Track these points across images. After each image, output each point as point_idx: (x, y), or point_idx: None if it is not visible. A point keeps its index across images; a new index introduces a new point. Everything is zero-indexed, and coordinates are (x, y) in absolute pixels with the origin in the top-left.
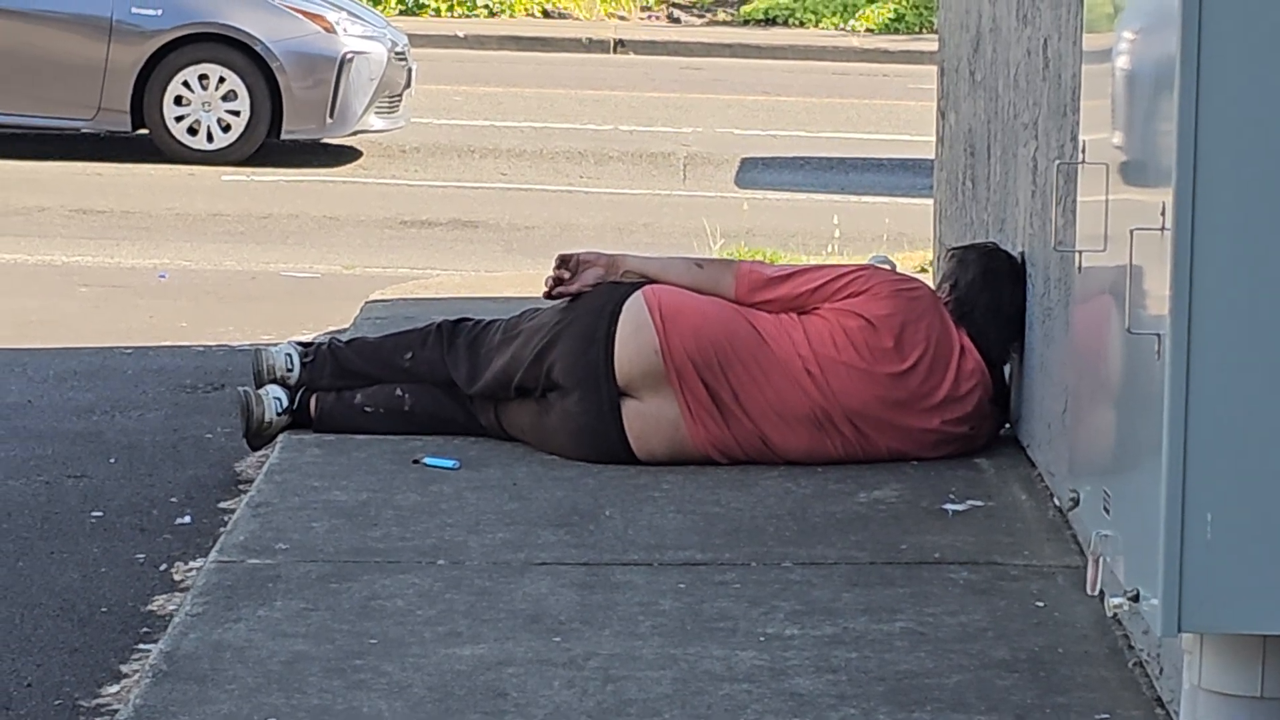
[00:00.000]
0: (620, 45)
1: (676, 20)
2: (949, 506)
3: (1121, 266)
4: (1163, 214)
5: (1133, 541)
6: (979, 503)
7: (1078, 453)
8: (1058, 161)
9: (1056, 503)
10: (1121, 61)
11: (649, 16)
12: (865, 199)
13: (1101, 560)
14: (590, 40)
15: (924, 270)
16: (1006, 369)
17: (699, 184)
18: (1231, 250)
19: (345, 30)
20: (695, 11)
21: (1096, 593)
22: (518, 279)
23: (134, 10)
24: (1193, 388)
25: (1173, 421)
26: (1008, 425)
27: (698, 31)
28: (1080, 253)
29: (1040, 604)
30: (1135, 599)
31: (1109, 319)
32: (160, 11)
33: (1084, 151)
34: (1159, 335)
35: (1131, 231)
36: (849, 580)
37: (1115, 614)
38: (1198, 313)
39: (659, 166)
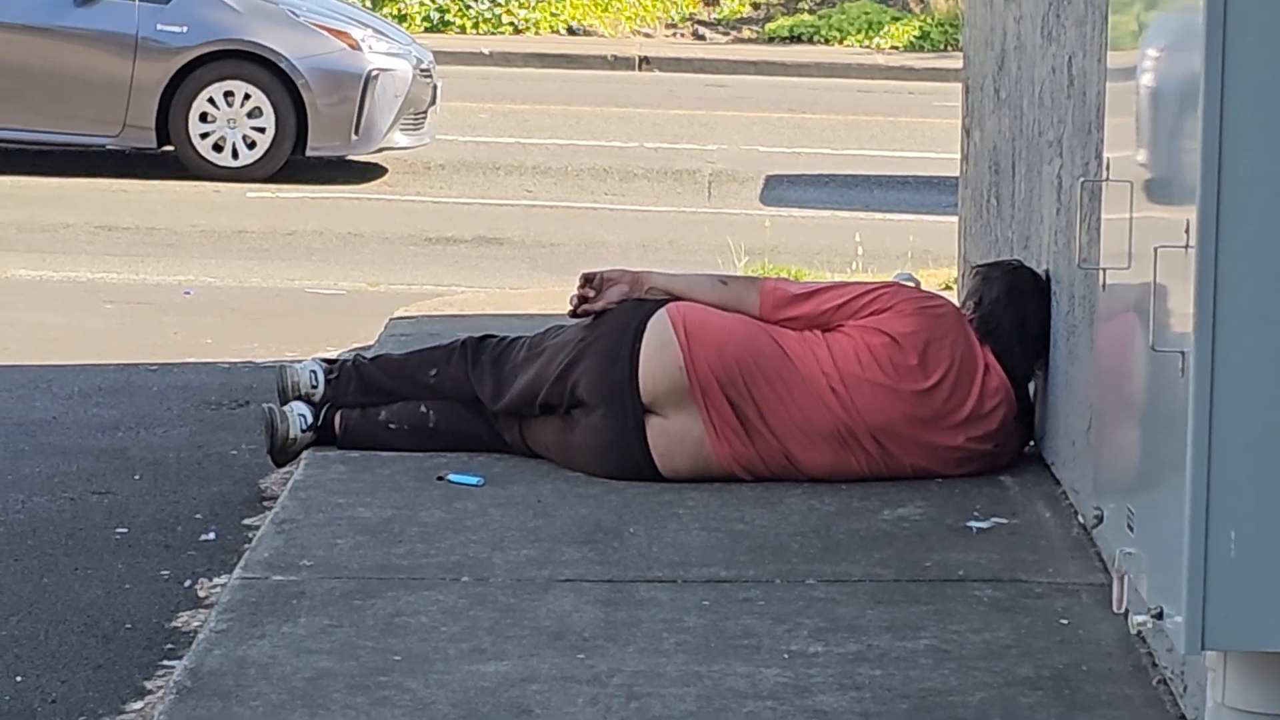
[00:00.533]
0: (645, 62)
1: (701, 37)
2: (973, 524)
3: (1145, 284)
4: (1187, 231)
5: (1156, 559)
6: (1003, 520)
7: (1102, 470)
8: (1081, 179)
9: (1081, 520)
10: (1146, 79)
11: (674, 34)
12: (890, 216)
13: (1126, 578)
14: (615, 57)
15: (949, 287)
16: (1031, 386)
17: (724, 201)
18: (1255, 267)
19: (370, 47)
20: (720, 29)
21: (1122, 610)
22: (542, 296)
23: (160, 27)
24: (1216, 405)
25: (1196, 439)
26: (1032, 443)
27: (723, 49)
28: (1104, 270)
29: (1064, 621)
30: (1159, 616)
31: (1133, 336)
32: (186, 28)
33: (1108, 169)
34: (1183, 353)
35: (1155, 249)
36: (873, 598)
37: (1139, 631)
38: (1221, 330)
39: (684, 184)
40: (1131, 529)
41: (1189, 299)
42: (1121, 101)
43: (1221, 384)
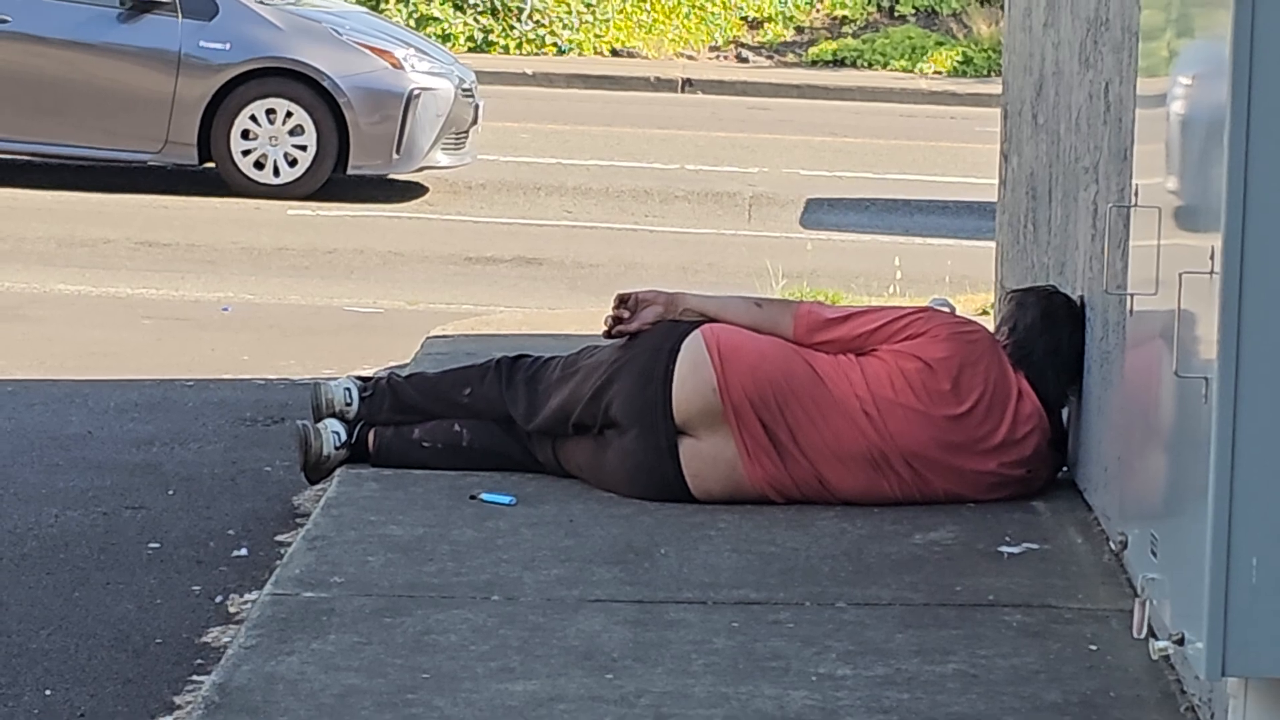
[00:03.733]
0: (688, 85)
1: (745, 60)
2: (1004, 549)
3: (1171, 310)
4: (1211, 258)
5: (1179, 585)
6: (1034, 545)
7: (1127, 495)
8: (1111, 205)
9: (1112, 546)
10: (1176, 107)
11: (717, 56)
12: (929, 241)
13: (1148, 603)
14: (658, 79)
15: (985, 313)
16: (1065, 412)
17: (764, 224)
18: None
19: (413, 66)
20: (764, 52)
21: (1143, 635)
22: (579, 316)
23: (202, 44)
24: (1240, 432)
25: (1219, 465)
26: (1065, 468)
27: (766, 72)
28: (1132, 296)
29: (1093, 647)
30: (1181, 642)
31: (1158, 362)
32: (229, 45)
33: (1136, 195)
34: (1207, 379)
35: (1180, 275)
36: (903, 621)
37: (1161, 657)
38: (1245, 357)
39: (724, 206)
40: (1155, 554)
41: (1213, 325)
42: (1151, 128)
43: (1244, 410)
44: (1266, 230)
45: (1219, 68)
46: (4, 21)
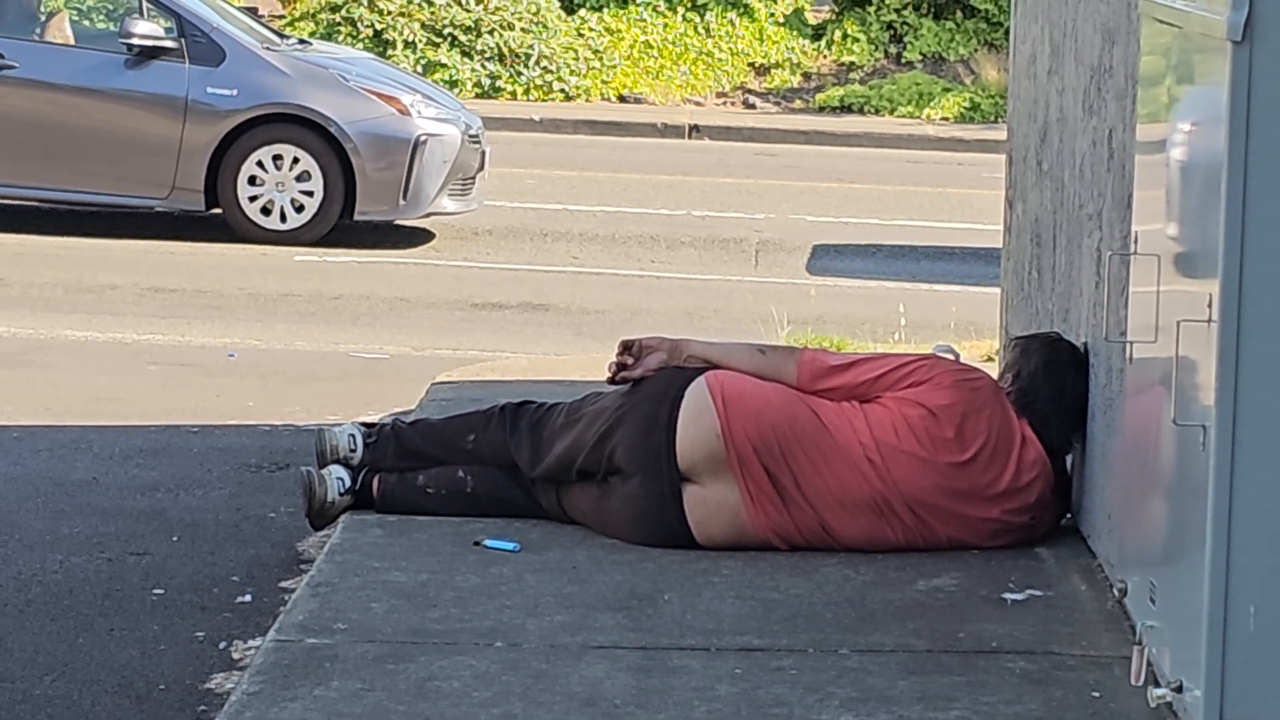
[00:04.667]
0: (695, 130)
1: (752, 106)
2: (1008, 596)
3: (1170, 357)
4: (1209, 305)
5: (1177, 632)
6: (1038, 592)
7: (1126, 543)
8: (1110, 253)
9: (1116, 593)
10: (1175, 153)
11: (724, 102)
12: (936, 287)
13: (1148, 650)
14: (665, 125)
15: (990, 359)
16: (1069, 459)
17: (770, 270)
18: (1278, 342)
19: (419, 112)
20: (771, 98)
21: (1141, 683)
22: (585, 362)
23: (209, 90)
24: (1237, 480)
25: (1217, 513)
26: (1069, 515)
27: (772, 118)
28: (1131, 343)
29: (1096, 694)
30: (1179, 690)
31: (1157, 410)
32: (235, 91)
33: (1136, 242)
34: (1205, 427)
35: (1178, 323)
36: (905, 668)
37: (1161, 704)
38: (1243, 405)
39: (730, 252)
40: (1154, 602)
41: (1211, 373)
42: (1151, 174)
43: (1242, 458)
44: (1265, 278)
45: (1218, 114)
46: (11, 67)
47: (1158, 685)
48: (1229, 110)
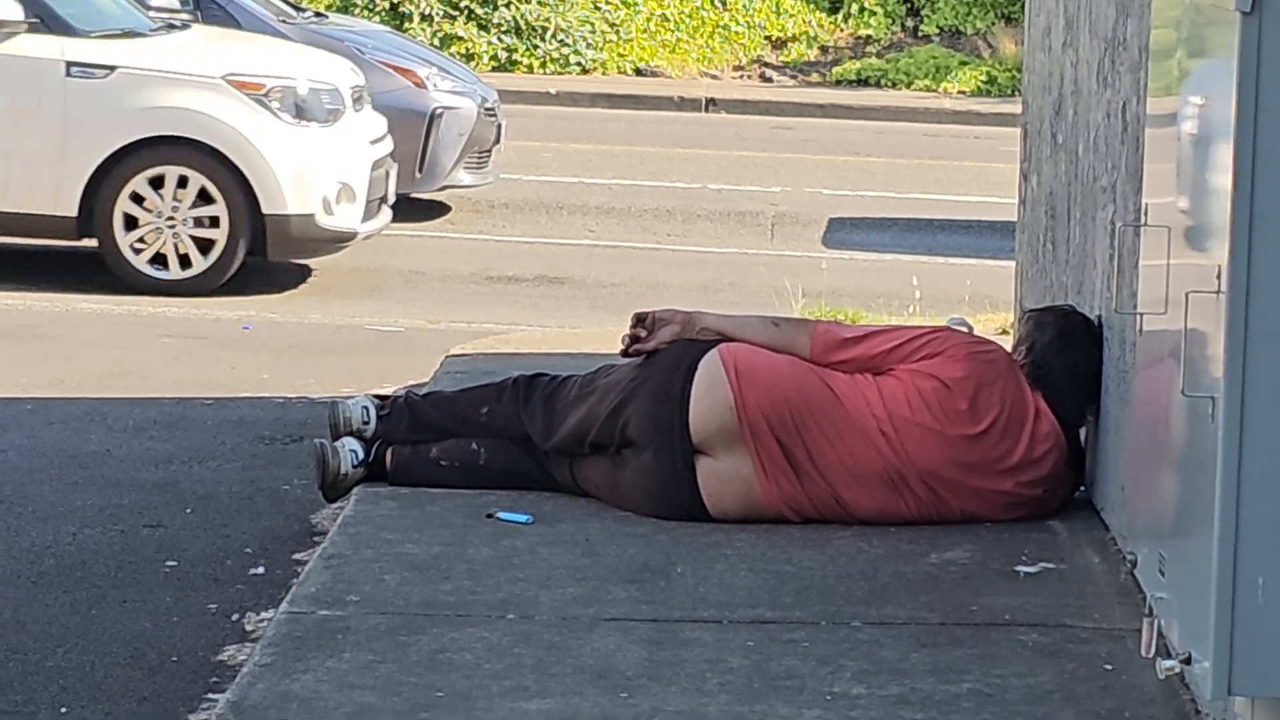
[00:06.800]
0: (712, 104)
1: (769, 80)
2: (1021, 568)
3: (1179, 329)
4: (1218, 277)
5: (1186, 604)
6: (1051, 565)
7: (1135, 515)
8: (1119, 225)
9: (1129, 566)
10: (1185, 126)
11: (741, 76)
12: (951, 260)
13: (1157, 622)
14: (682, 99)
15: (1005, 332)
16: (1082, 432)
17: (786, 243)
18: None
19: (435, 85)
20: (787, 72)
21: (1152, 655)
22: (598, 335)
23: None
24: (1245, 451)
25: (1225, 485)
26: (1082, 488)
27: (789, 91)
28: (1142, 315)
29: (1109, 667)
30: (1188, 661)
31: (1166, 382)
32: None
33: (1146, 214)
34: (1213, 398)
35: (1187, 294)
36: (918, 641)
37: (1170, 676)
38: (1251, 376)
39: (746, 225)
40: (1163, 574)
41: (1220, 345)
42: (1161, 147)
43: (1251, 430)
44: (1273, 249)
45: (1226, 86)
46: None
47: (1167, 657)
48: (1238, 81)
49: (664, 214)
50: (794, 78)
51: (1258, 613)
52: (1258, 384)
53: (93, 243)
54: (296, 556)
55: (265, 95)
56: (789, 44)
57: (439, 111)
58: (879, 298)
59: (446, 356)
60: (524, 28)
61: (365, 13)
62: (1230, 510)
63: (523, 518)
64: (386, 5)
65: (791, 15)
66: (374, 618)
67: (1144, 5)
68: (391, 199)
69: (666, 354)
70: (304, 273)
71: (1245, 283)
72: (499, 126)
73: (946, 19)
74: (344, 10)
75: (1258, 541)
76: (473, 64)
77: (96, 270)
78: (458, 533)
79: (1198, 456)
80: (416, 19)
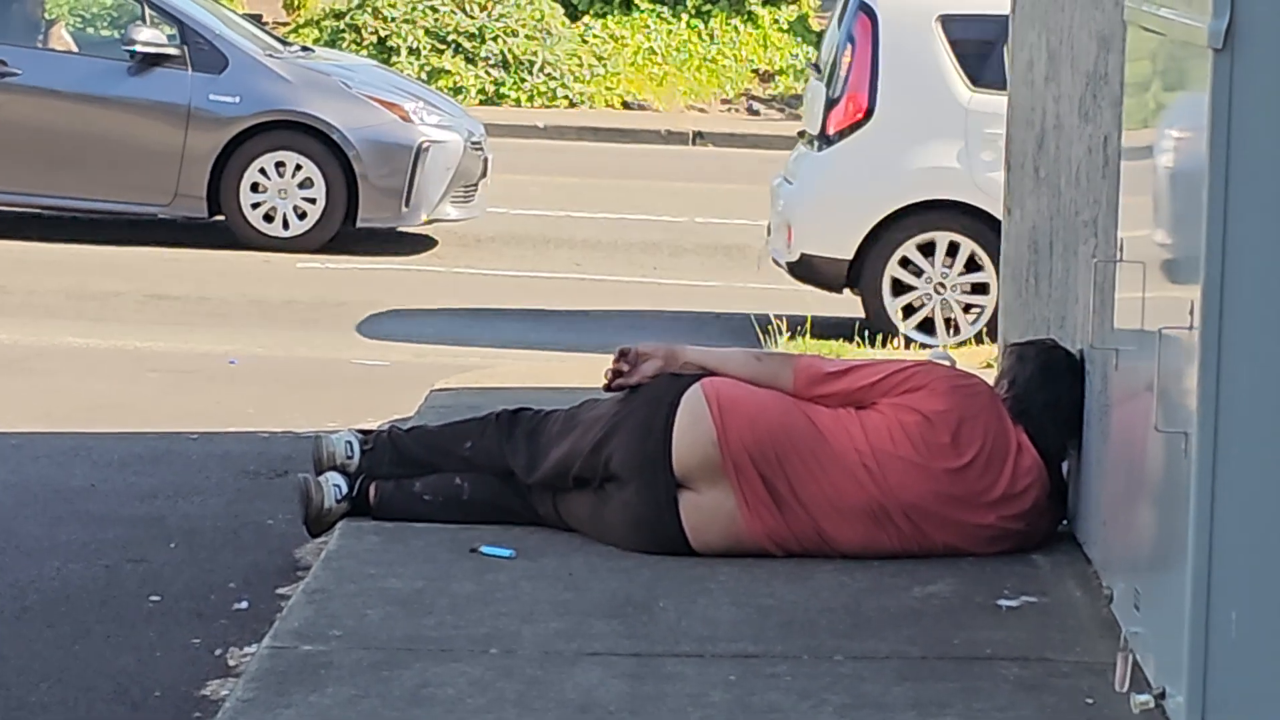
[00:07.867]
0: (699, 137)
1: (756, 113)
2: (1003, 602)
3: (1153, 364)
4: (1191, 313)
5: (1161, 639)
6: (1033, 599)
7: (1112, 549)
8: (1095, 260)
9: (1106, 600)
10: (1161, 160)
11: (729, 109)
12: None
13: (1130, 657)
14: (669, 132)
15: (989, 366)
16: (1064, 465)
17: (772, 277)
18: (1259, 350)
19: (422, 119)
20: (775, 105)
21: (1125, 689)
22: (582, 369)
23: (212, 97)
24: (1219, 486)
25: (1199, 520)
26: (1065, 521)
27: (777, 124)
28: (1117, 350)
29: (1090, 701)
30: (1162, 696)
31: (1141, 417)
32: (238, 99)
33: (1122, 249)
34: (1187, 434)
35: (1160, 330)
36: (900, 675)
37: (1143, 711)
38: (1225, 412)
39: (733, 259)
40: (1138, 608)
41: (1193, 380)
42: (1137, 181)
43: (1224, 466)
44: (1245, 285)
45: (1200, 121)
46: (15, 74)
47: (1142, 692)
48: (1210, 117)
49: (651, 247)
50: (781, 111)
51: (1231, 648)
52: (1231, 419)
53: None
54: (280, 591)
55: None
56: (776, 77)
57: (425, 145)
58: (865, 331)
59: (431, 391)
60: (511, 61)
61: (353, 47)
62: (1204, 545)
63: (506, 552)
64: (374, 39)
65: (778, 49)
66: (357, 652)
67: (1125, 40)
68: None
69: (650, 388)
70: (290, 307)
71: (1218, 318)
72: (485, 160)
73: None
74: (332, 44)
75: (1231, 577)
76: (460, 98)
77: (85, 304)
78: (441, 567)
79: (1172, 492)
80: (404, 53)
